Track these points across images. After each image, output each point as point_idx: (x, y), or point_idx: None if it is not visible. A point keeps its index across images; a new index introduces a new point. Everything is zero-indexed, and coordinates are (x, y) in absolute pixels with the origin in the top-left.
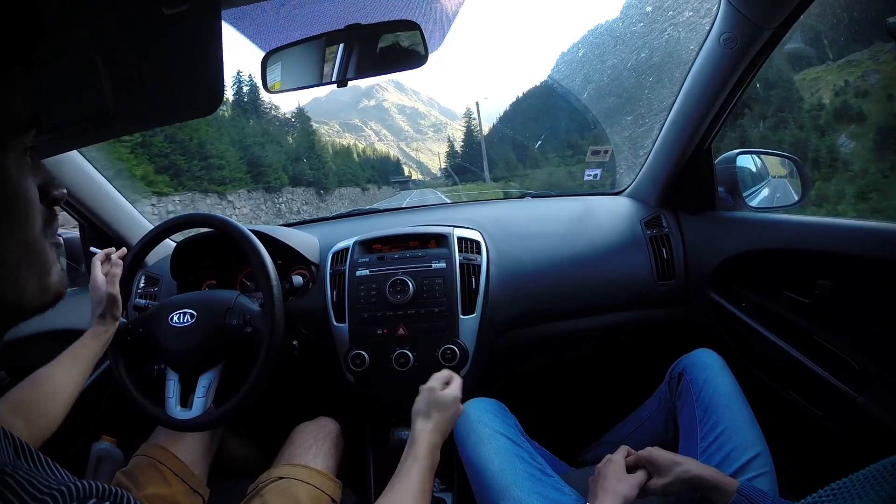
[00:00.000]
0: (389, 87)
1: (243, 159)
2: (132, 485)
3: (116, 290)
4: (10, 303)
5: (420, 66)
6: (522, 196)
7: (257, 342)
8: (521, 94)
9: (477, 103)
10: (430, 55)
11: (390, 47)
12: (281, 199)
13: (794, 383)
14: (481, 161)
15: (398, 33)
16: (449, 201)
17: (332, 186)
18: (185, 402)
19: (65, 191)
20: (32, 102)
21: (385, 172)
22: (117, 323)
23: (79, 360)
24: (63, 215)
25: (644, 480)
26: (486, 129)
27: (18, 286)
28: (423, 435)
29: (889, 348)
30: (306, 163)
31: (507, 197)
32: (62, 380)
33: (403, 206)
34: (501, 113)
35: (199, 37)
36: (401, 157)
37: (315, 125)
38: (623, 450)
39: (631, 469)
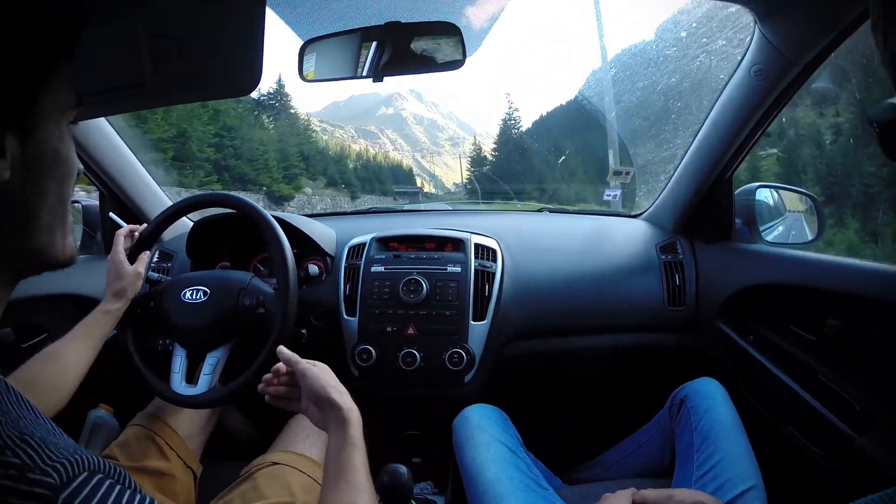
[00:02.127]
0: (409, 97)
1: None
2: (127, 457)
3: (143, 268)
4: (40, 247)
5: (457, 68)
6: (541, 210)
7: (269, 324)
8: (540, 116)
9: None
10: (467, 59)
11: (428, 47)
12: None
13: (795, 419)
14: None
15: (436, 34)
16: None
17: None
18: (190, 378)
19: (81, 167)
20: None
21: (379, 179)
22: (131, 300)
23: (90, 337)
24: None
25: None
26: (491, 148)
27: (50, 234)
28: (353, 414)
29: (892, 391)
30: None
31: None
32: (73, 357)
33: (423, 208)
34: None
35: (242, 16)
36: (414, 168)
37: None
38: (631, 489)
39: None
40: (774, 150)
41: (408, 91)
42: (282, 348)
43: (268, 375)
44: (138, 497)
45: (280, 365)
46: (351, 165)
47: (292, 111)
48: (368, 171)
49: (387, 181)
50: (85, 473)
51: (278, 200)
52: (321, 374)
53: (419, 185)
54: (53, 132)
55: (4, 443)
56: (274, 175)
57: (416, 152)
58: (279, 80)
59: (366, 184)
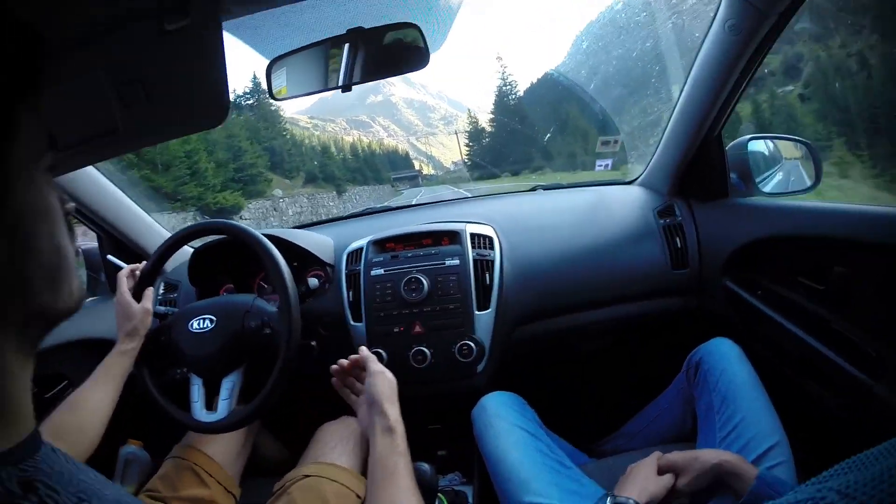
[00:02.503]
0: (396, 83)
1: None
2: (169, 488)
3: (150, 305)
4: (47, 305)
5: (422, 67)
6: (534, 188)
7: (276, 343)
8: (527, 86)
9: None
10: (431, 55)
11: (393, 49)
12: None
13: (811, 371)
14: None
15: (400, 35)
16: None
17: None
18: (210, 405)
19: (73, 205)
20: (47, 124)
21: (372, 168)
22: (143, 338)
23: (111, 378)
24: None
25: (671, 483)
26: (486, 121)
27: (53, 291)
28: (400, 425)
29: None
30: None
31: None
32: (98, 400)
33: (414, 202)
34: (511, 104)
35: (202, 49)
36: (411, 152)
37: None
38: (656, 454)
39: (661, 472)
40: (791, 87)
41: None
42: (364, 349)
43: (344, 361)
44: None
45: (357, 357)
46: (339, 157)
47: (268, 106)
48: (359, 161)
49: (382, 169)
50: None
51: (219, 215)
52: (385, 382)
53: (417, 168)
54: (28, 189)
55: None
56: (208, 182)
57: (410, 136)
58: (254, 76)
59: (357, 174)
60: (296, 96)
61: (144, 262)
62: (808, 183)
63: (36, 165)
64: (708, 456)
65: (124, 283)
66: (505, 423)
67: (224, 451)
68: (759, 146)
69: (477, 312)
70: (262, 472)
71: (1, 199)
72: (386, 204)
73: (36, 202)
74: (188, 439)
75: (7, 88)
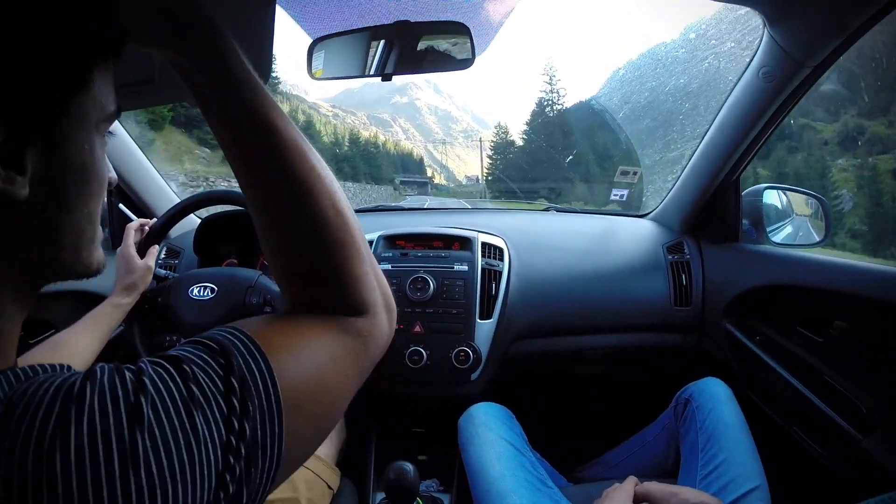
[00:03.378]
0: (424, 87)
1: None
2: None
3: (153, 263)
4: (64, 263)
5: (466, 67)
6: (547, 209)
7: None
8: (561, 109)
9: None
10: (475, 59)
11: (437, 46)
12: None
13: (800, 420)
14: None
15: (446, 34)
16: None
17: None
18: None
19: (115, 178)
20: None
21: (370, 163)
22: (140, 294)
23: (98, 327)
24: None
25: None
26: (515, 137)
27: (76, 251)
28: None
29: None
30: None
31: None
32: (80, 346)
33: (425, 206)
34: (547, 122)
35: (250, 15)
36: (426, 158)
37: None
38: (632, 479)
39: (636, 501)
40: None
41: (423, 81)
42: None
43: None
44: None
45: None
46: (327, 139)
47: None
48: (354, 151)
49: (385, 167)
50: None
51: None
52: None
53: (429, 175)
54: (83, 145)
55: None
56: None
57: (428, 142)
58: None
59: (343, 165)
60: (332, 78)
61: (155, 220)
62: (817, 238)
63: (97, 128)
64: (688, 494)
65: (131, 237)
66: (492, 434)
67: None
68: (774, 196)
69: (479, 321)
70: None
71: (52, 149)
72: (399, 204)
73: (86, 161)
74: None
75: (95, 47)
